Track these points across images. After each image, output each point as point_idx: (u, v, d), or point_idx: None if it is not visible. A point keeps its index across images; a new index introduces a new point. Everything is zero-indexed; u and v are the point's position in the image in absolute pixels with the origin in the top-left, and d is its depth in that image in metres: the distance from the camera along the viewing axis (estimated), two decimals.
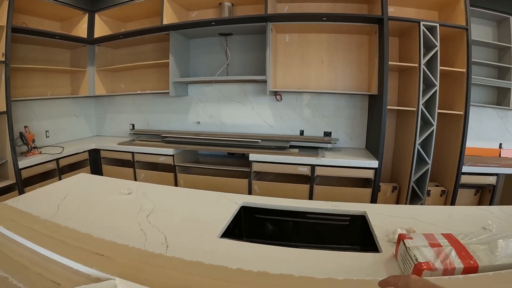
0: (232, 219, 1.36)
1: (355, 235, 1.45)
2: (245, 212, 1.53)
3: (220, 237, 1.18)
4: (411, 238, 0.94)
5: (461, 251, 0.87)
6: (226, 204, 1.51)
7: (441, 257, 0.85)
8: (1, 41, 2.63)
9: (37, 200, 1.55)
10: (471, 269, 0.83)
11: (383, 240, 1.12)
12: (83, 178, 2.01)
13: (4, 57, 2.62)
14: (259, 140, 2.85)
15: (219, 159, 3.25)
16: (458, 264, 0.83)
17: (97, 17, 3.42)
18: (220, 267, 0.94)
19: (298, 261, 1.01)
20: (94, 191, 1.72)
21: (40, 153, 3.11)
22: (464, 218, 1.35)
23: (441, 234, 0.97)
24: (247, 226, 1.55)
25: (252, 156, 2.72)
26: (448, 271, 0.82)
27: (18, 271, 0.92)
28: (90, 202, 1.54)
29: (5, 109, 2.68)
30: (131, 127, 3.89)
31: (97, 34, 3.43)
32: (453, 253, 0.86)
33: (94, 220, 1.31)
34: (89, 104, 4.11)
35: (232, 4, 3.11)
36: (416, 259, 0.84)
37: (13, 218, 1.28)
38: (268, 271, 0.91)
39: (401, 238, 0.95)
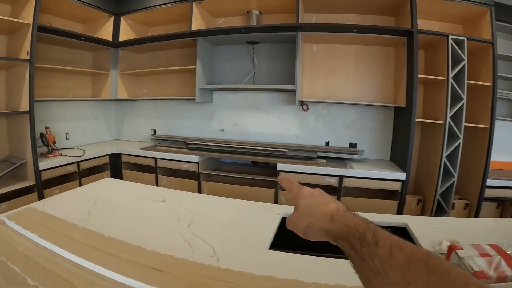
0: (277, 229, 1.32)
1: None
2: (283, 222, 1.49)
3: (269, 249, 1.14)
4: (462, 249, 0.96)
5: (509, 260, 0.91)
6: (265, 214, 1.48)
7: (493, 266, 0.89)
8: (26, 39, 2.61)
9: (65, 205, 1.50)
10: None
11: None
12: (109, 183, 1.96)
13: (29, 55, 2.59)
14: (287, 150, 2.83)
15: (242, 167, 3.21)
16: (509, 272, 0.87)
17: (122, 20, 3.40)
18: (295, 282, 0.90)
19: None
20: (124, 197, 1.67)
21: (61, 155, 3.07)
22: (502, 230, 1.35)
23: (487, 245, 0.99)
24: (286, 236, 1.51)
25: (280, 166, 2.69)
26: (501, 279, 0.86)
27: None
28: (123, 209, 1.49)
29: (27, 109, 2.64)
30: (153, 132, 3.85)
31: (121, 37, 3.40)
32: (503, 262, 0.89)
33: (133, 229, 1.25)
34: (109, 107, 4.07)
35: (260, 12, 3.10)
36: (472, 268, 0.87)
37: (47, 225, 1.19)
38: (344, 284, 0.88)
39: (452, 248, 0.98)
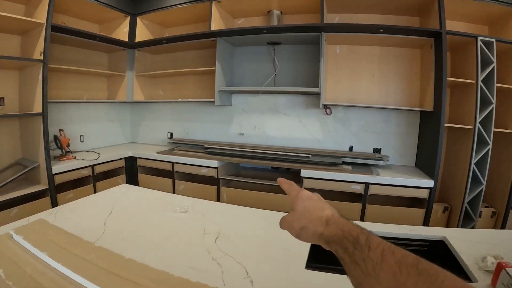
0: (310, 246, 1.20)
1: (433, 261, 1.33)
2: None
3: (305, 268, 1.04)
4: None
5: None
6: None
7: None
8: (39, 39, 2.55)
9: (79, 215, 1.41)
10: None
11: (474, 268, 1.04)
12: (126, 190, 1.86)
13: (42, 56, 2.53)
14: (310, 155, 2.72)
15: (262, 172, 3.10)
16: None
17: (138, 20, 3.31)
18: None
19: None
20: (142, 207, 1.57)
21: (75, 158, 2.99)
22: None
23: None
24: (319, 252, 1.41)
25: (304, 172, 2.59)
26: None
27: None
28: (141, 221, 1.39)
29: (40, 110, 2.58)
30: (169, 136, 3.76)
31: (138, 38, 3.33)
32: None
33: (155, 246, 1.14)
34: (124, 109, 4.01)
35: (281, 12, 3.01)
36: None
37: (59, 242, 1.07)
38: None
39: (501, 266, 0.89)
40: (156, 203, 1.62)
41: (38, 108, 2.59)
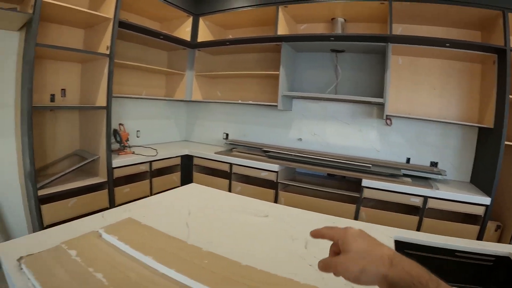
0: None
1: (498, 277, 1.35)
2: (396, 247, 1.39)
3: None
4: None
5: None
6: (377, 237, 1.36)
7: None
8: (106, 34, 2.59)
9: (156, 213, 1.39)
10: None
11: None
12: (196, 189, 1.87)
13: (108, 50, 2.57)
14: (370, 165, 2.74)
15: (316, 179, 3.10)
16: None
17: (200, 21, 3.35)
18: None
19: None
20: (218, 208, 1.54)
21: (133, 153, 3.03)
22: None
23: None
24: None
25: (366, 182, 2.61)
26: None
27: None
28: (223, 224, 1.35)
29: (105, 104, 2.62)
30: (224, 136, 3.80)
31: (199, 38, 3.37)
32: None
33: (244, 249, 1.10)
34: (180, 107, 4.06)
35: (345, 20, 3.02)
36: None
37: (160, 245, 0.99)
38: None
39: None
40: (231, 205, 1.59)
41: (101, 102, 2.63)
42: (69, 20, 2.59)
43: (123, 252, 0.94)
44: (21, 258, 0.91)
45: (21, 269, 0.86)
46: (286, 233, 1.28)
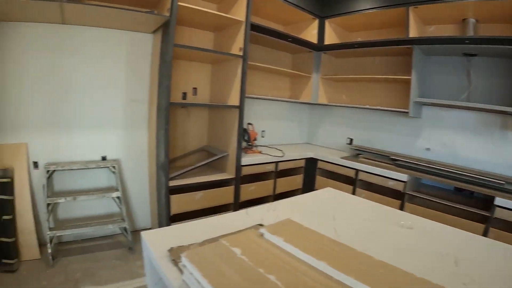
0: None
1: None
2: None
3: None
4: None
5: None
6: None
7: None
8: (238, 36, 2.68)
9: (302, 215, 1.37)
10: None
11: None
12: (332, 194, 1.85)
13: (242, 51, 2.66)
14: (504, 182, 2.43)
15: (442, 192, 2.85)
16: None
17: (326, 23, 3.34)
18: None
19: None
20: (361, 215, 1.50)
21: (260, 152, 3.14)
22: None
23: None
24: None
25: (499, 201, 2.30)
26: None
27: None
28: (369, 232, 1.30)
29: (238, 103, 2.72)
30: (348, 141, 3.75)
31: (326, 41, 3.36)
32: None
33: (396, 261, 0.93)
34: (303, 110, 4.14)
35: (477, 21, 2.66)
36: None
37: (330, 251, 0.90)
38: None
39: None
40: (370, 213, 1.56)
41: (234, 101, 2.73)
42: (199, 23, 2.74)
43: (290, 254, 0.87)
44: (171, 248, 0.96)
45: (173, 260, 0.91)
46: (434, 248, 1.21)
